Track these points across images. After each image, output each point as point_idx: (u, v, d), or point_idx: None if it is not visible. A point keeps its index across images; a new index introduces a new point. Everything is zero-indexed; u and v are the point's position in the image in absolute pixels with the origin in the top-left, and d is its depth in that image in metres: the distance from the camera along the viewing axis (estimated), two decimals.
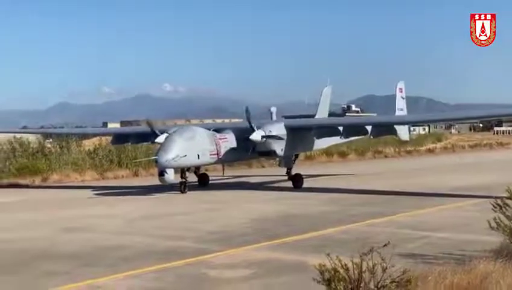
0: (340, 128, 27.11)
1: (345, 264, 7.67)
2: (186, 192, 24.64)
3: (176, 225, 16.87)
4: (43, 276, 10.71)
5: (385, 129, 28.07)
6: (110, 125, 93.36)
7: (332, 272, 7.69)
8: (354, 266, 7.63)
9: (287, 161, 27.35)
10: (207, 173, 29.72)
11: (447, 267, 9.07)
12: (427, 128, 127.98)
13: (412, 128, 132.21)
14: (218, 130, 26.60)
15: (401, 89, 34.20)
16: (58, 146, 36.51)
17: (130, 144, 32.22)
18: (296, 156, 28.46)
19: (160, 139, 25.37)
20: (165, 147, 24.12)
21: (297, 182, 26.85)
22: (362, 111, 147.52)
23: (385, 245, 8.01)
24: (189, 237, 14.52)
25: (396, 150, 57.53)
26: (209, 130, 26.29)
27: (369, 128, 27.50)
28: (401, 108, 33.54)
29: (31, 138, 37.80)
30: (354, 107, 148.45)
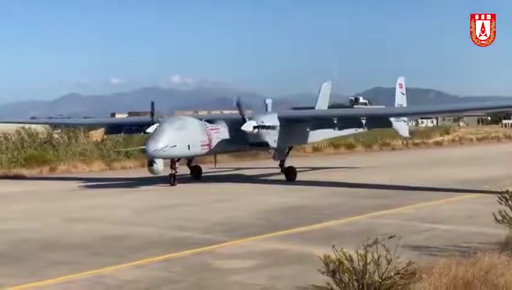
0: (335, 120, 26.51)
1: (350, 256, 7.71)
2: (175, 184, 24.14)
3: (183, 215, 16.93)
4: (49, 265, 10.78)
5: (379, 121, 27.37)
6: (118, 116, 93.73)
7: (337, 264, 7.74)
8: (359, 257, 7.68)
9: (280, 153, 26.78)
10: (200, 165, 29.08)
11: (452, 259, 9.09)
12: (435, 121, 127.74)
13: (419, 121, 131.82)
14: (210, 121, 26.07)
15: (401, 84, 33.57)
16: (66, 136, 36.64)
17: (123, 134, 31.86)
18: (290, 148, 27.95)
19: (151, 129, 24.85)
20: (155, 136, 23.66)
21: (290, 175, 26.39)
22: (370, 103, 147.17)
23: (390, 237, 8.04)
24: (195, 228, 14.59)
25: (404, 142, 57.48)
26: (201, 120, 25.83)
27: (364, 121, 26.84)
28: (400, 103, 32.79)
29: (40, 128, 37.95)
30: (361, 99, 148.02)
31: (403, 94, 33.42)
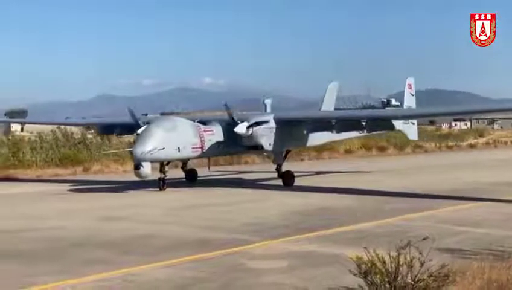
0: (334, 122, 24.93)
1: (382, 257, 7.67)
2: (165, 189, 23.04)
3: (213, 215, 17.01)
4: (82, 263, 10.91)
5: (381, 124, 25.44)
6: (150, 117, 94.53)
7: (369, 265, 7.71)
8: (391, 259, 7.63)
9: (277, 157, 25.56)
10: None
11: (486, 262, 9.00)
12: (468, 124, 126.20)
13: (453, 124, 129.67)
14: (204, 122, 24.65)
15: (410, 85, 31.97)
16: (99, 137, 37.03)
17: (115, 134, 30.78)
18: (288, 151, 26.56)
19: (141, 130, 23.43)
20: (142, 138, 22.54)
21: (287, 180, 25.07)
22: (402, 105, 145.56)
23: (424, 239, 7.99)
24: (225, 228, 14.64)
25: (437, 145, 56.98)
26: (194, 121, 24.53)
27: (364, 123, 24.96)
28: (409, 105, 31.24)
29: (74, 128, 38.46)
30: (394, 102, 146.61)
31: (412, 95, 32.00)
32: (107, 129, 29.86)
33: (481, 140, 70.67)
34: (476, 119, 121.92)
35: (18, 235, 14.07)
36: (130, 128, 25.29)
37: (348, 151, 45.94)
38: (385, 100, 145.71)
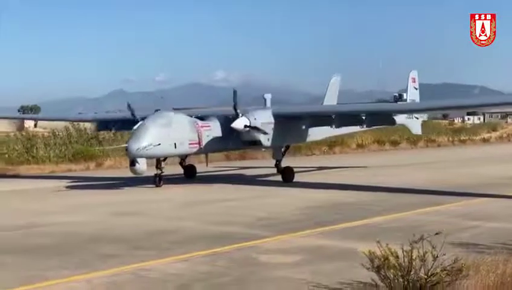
0: (333, 117, 24.41)
1: (395, 252, 7.66)
2: (161, 185, 22.67)
3: (225, 210, 17.04)
4: (96, 258, 10.98)
5: (381, 119, 24.93)
6: None
7: (382, 259, 7.70)
8: (404, 253, 7.62)
9: (276, 153, 25.08)
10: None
11: (500, 256, 8.96)
12: (482, 118, 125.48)
13: (466, 118, 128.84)
14: (202, 118, 24.21)
15: (413, 78, 31.61)
16: (111, 132, 37.12)
17: (111, 131, 30.26)
18: (287, 147, 25.99)
19: (137, 126, 22.94)
20: (137, 134, 22.13)
21: (287, 176, 24.58)
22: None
23: (436, 234, 7.96)
24: (238, 223, 14.66)
25: (450, 139, 56.76)
26: (191, 116, 24.01)
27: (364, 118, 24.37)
28: (412, 99, 30.79)
29: (87, 124, 38.58)
30: (405, 96, 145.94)
31: (416, 89, 31.57)
32: (105, 125, 29.32)
33: (494, 134, 70.24)
34: (490, 113, 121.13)
35: (30, 230, 14.16)
36: (128, 124, 24.88)
37: (360, 146, 45.84)
38: (397, 94, 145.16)
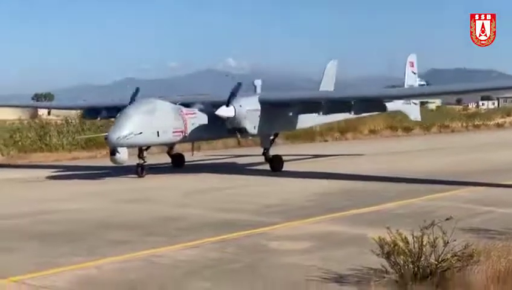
0: (323, 103, 23.42)
1: (405, 238, 7.62)
2: (144, 175, 21.85)
3: (234, 198, 17.00)
4: (105, 245, 11.02)
5: (370, 105, 23.82)
6: None
7: (392, 246, 7.66)
8: (415, 239, 7.58)
9: (264, 141, 24.19)
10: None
11: (511, 242, 8.89)
12: (496, 103, 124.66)
13: (480, 103, 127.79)
14: (187, 105, 23.28)
15: (412, 62, 30.33)
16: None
17: (99, 118, 28.50)
18: (276, 135, 25.04)
19: (119, 114, 22.10)
20: (118, 122, 21.32)
21: (276, 164, 23.80)
22: (428, 84, 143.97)
23: (447, 219, 7.91)
24: (247, 210, 14.64)
25: (464, 124, 56.42)
26: (176, 104, 23.06)
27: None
28: (411, 84, 29.65)
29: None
30: (419, 81, 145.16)
31: (414, 73, 30.44)
32: (92, 113, 28.17)
33: (509, 119, 69.68)
34: (504, 98, 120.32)
35: (37, 217, 14.14)
36: (116, 111, 23.73)
37: (373, 132, 45.66)
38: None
